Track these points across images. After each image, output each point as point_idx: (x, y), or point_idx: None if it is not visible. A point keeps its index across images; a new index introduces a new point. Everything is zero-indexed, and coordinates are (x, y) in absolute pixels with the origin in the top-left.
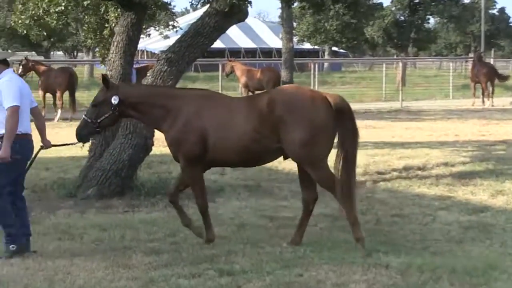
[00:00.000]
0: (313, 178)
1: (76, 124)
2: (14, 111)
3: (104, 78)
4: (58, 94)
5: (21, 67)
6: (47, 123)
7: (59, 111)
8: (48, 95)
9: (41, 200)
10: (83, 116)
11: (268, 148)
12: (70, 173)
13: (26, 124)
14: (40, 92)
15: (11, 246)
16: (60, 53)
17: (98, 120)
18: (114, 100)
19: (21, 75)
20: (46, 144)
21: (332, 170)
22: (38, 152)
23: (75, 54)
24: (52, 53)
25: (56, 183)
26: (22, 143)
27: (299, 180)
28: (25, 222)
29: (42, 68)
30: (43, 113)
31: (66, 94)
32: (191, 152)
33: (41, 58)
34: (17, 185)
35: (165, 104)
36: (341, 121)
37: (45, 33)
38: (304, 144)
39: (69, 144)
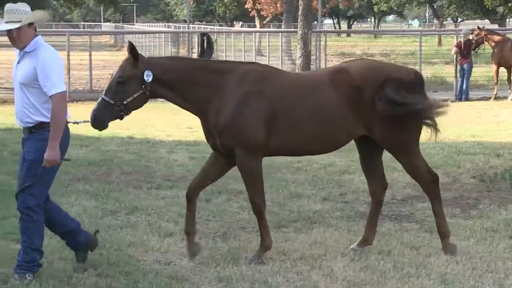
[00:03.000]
0: (404, 166)
1: None
2: (63, 99)
3: (132, 47)
4: None
5: (473, 37)
6: (496, 102)
7: None
8: (502, 69)
9: (491, 192)
10: (101, 96)
11: (352, 135)
12: None
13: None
14: (494, 66)
15: (27, 274)
16: None
17: (124, 102)
18: (147, 76)
19: (475, 47)
20: None
21: None
22: None
23: None
24: (508, 20)
25: (508, 172)
26: (67, 134)
27: (364, 169)
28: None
29: (497, 38)
30: (494, 91)
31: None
32: (256, 140)
33: (495, 26)
34: None
35: (211, 81)
36: None
37: None
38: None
39: (71, 122)
